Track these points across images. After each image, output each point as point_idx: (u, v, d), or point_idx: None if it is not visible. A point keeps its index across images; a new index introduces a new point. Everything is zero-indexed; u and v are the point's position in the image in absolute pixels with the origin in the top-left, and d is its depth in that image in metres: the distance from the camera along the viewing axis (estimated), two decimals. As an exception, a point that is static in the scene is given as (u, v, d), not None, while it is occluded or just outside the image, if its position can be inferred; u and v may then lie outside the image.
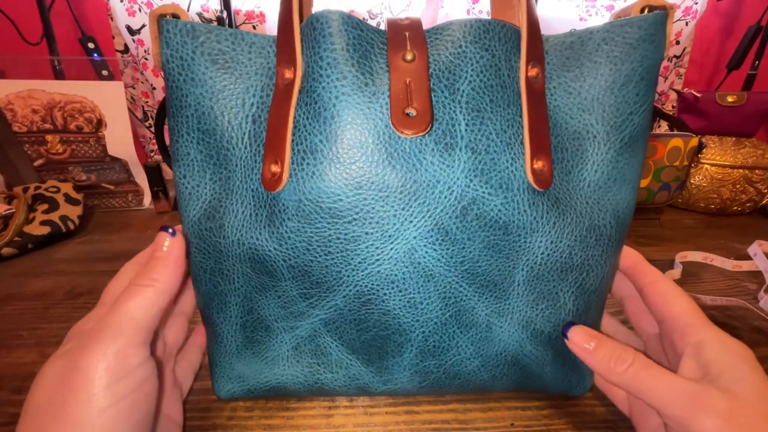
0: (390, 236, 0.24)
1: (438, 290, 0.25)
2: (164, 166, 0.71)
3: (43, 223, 0.57)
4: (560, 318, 0.27)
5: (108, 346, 0.19)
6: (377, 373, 0.28)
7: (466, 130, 0.24)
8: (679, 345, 0.23)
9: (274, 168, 0.24)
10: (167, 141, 0.69)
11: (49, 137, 0.68)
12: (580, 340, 0.24)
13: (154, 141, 0.91)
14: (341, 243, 0.24)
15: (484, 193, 0.24)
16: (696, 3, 0.86)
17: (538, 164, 0.24)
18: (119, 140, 0.71)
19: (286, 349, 0.28)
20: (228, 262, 0.26)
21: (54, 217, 0.59)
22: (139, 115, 0.89)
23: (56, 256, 0.55)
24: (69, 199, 0.63)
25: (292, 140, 0.24)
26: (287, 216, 0.24)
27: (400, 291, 0.25)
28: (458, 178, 0.24)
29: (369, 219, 0.24)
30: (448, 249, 0.24)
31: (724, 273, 0.50)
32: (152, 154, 0.92)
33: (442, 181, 0.24)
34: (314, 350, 0.27)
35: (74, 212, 0.62)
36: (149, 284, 0.21)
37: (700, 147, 0.64)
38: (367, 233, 0.24)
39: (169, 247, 0.23)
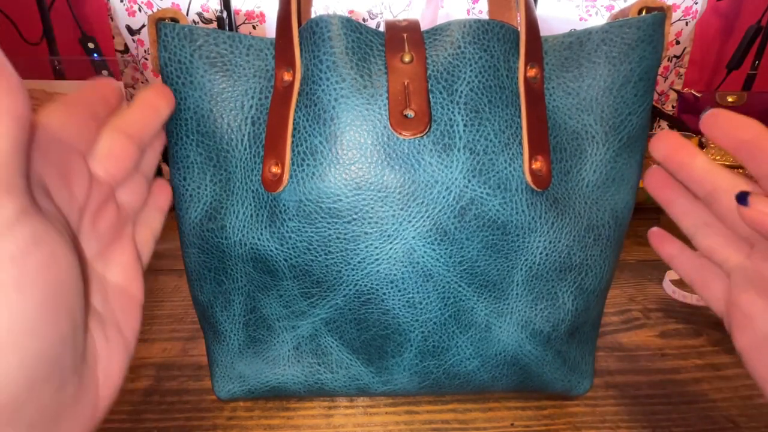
0: (389, 236, 0.24)
1: (437, 290, 0.25)
2: (164, 166, 0.71)
3: (43, 223, 0.57)
4: (559, 318, 0.27)
5: None
6: (377, 374, 0.28)
7: (464, 130, 0.24)
8: None
9: (275, 169, 0.24)
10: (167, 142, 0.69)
11: (49, 137, 0.68)
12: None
13: (154, 141, 0.91)
14: (341, 243, 0.24)
15: (482, 193, 0.24)
16: (696, 3, 0.86)
17: (537, 164, 0.24)
18: (119, 140, 0.71)
19: (287, 348, 0.28)
20: (231, 261, 0.26)
21: (54, 217, 0.59)
22: (139, 115, 0.89)
23: (56, 256, 0.55)
24: (69, 199, 0.63)
25: (292, 142, 0.24)
26: (288, 216, 0.24)
27: (399, 291, 0.25)
28: (456, 179, 0.24)
29: (368, 219, 0.24)
30: (446, 249, 0.24)
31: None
32: (152, 154, 0.92)
33: (441, 182, 0.24)
34: (315, 350, 0.28)
35: (74, 212, 0.62)
36: None
37: (700, 147, 0.64)
38: (366, 233, 0.24)
39: None
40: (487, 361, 0.27)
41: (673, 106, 0.96)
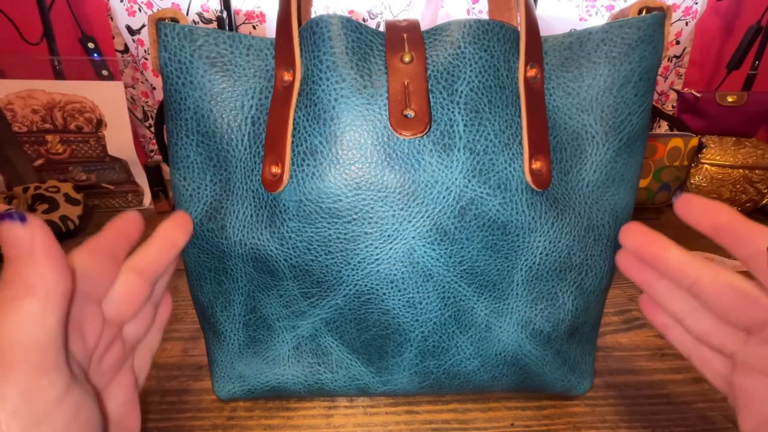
0: (389, 236, 0.24)
1: (437, 290, 0.25)
2: (164, 166, 0.71)
3: (43, 223, 0.57)
4: (559, 318, 0.27)
5: (6, 389, 0.14)
6: (377, 374, 0.28)
7: (464, 130, 0.24)
8: None
9: (275, 169, 0.24)
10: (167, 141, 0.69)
11: (49, 137, 0.68)
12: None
13: (154, 141, 0.91)
14: (341, 243, 0.24)
15: (482, 193, 0.24)
16: (696, 3, 0.86)
17: (537, 164, 0.24)
18: (119, 140, 0.71)
19: (287, 348, 0.28)
20: (231, 261, 0.26)
21: (54, 217, 0.59)
22: (139, 115, 0.89)
23: (56, 256, 0.55)
24: (69, 199, 0.63)
25: (292, 142, 0.24)
26: (288, 216, 0.24)
27: (400, 291, 0.25)
28: (456, 179, 0.24)
29: (368, 219, 0.24)
30: (446, 249, 0.24)
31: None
32: (152, 154, 0.92)
33: (441, 182, 0.24)
34: (315, 350, 0.28)
35: (74, 212, 0.62)
36: (24, 294, 0.15)
37: (700, 147, 0.64)
38: (366, 233, 0.24)
39: (28, 240, 0.15)
40: (487, 361, 0.27)
41: (673, 106, 0.96)
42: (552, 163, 0.25)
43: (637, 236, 0.23)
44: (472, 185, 0.24)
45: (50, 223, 0.58)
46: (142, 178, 0.74)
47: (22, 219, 0.16)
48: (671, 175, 0.64)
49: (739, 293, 0.19)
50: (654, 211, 0.70)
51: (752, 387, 0.20)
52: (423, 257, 0.24)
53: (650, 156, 0.63)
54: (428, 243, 0.24)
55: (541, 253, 0.25)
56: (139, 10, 0.80)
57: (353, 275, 0.25)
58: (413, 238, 0.24)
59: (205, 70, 0.24)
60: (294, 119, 0.24)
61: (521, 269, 0.25)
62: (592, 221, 0.26)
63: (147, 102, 0.88)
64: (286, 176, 0.24)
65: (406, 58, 0.24)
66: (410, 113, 0.23)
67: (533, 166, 0.24)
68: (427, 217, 0.24)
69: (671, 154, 0.63)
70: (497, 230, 0.24)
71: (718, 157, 0.70)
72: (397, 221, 0.24)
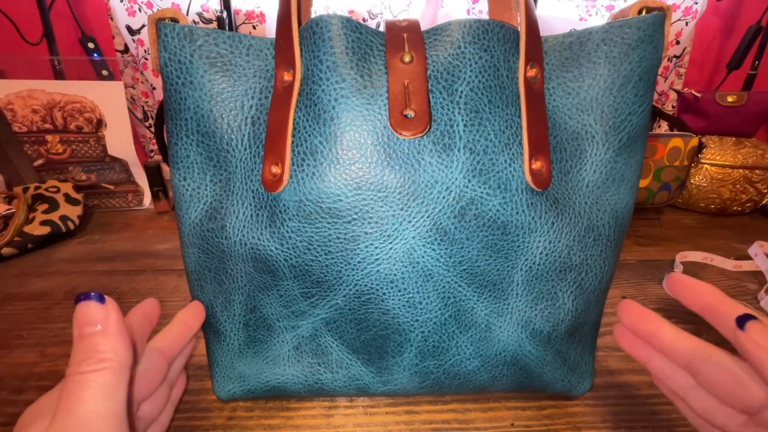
0: (389, 236, 0.24)
1: (437, 290, 0.25)
2: (164, 166, 0.71)
3: (43, 223, 0.57)
4: (559, 318, 0.27)
5: None
6: (377, 374, 0.28)
7: (464, 130, 0.24)
8: None
9: (275, 169, 0.24)
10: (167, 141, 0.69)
11: (49, 137, 0.68)
12: (762, 338, 0.19)
13: (154, 141, 0.91)
14: (341, 243, 0.24)
15: (482, 193, 0.24)
16: (696, 3, 0.86)
17: (537, 164, 0.24)
18: (119, 140, 0.71)
19: (287, 348, 0.28)
20: (231, 261, 0.26)
21: (54, 217, 0.59)
22: (139, 115, 0.89)
23: (56, 256, 0.55)
24: (69, 199, 0.63)
25: (292, 142, 0.24)
26: (288, 216, 0.24)
27: (399, 291, 0.25)
28: (456, 179, 0.24)
29: (368, 219, 0.24)
30: (446, 249, 0.24)
31: (724, 273, 0.50)
32: (152, 154, 0.92)
33: (441, 182, 0.24)
34: (315, 350, 0.28)
35: (74, 212, 0.62)
36: (102, 366, 0.16)
37: (700, 147, 0.64)
38: (366, 233, 0.24)
39: (103, 318, 0.17)
40: (487, 361, 0.27)
41: (673, 106, 0.96)
42: (552, 163, 0.25)
43: (631, 314, 0.23)
44: (472, 185, 0.24)
45: (50, 223, 0.58)
46: (142, 178, 0.74)
47: (101, 299, 0.18)
48: (671, 175, 0.64)
49: (731, 377, 0.19)
50: (654, 211, 0.70)
51: None
52: (423, 257, 0.24)
53: (650, 156, 0.63)
54: (428, 243, 0.24)
55: (541, 253, 0.25)
56: (139, 10, 0.80)
57: (353, 275, 0.25)
58: (413, 238, 0.24)
59: (205, 70, 0.24)
60: (294, 119, 0.24)
61: (521, 269, 0.25)
62: (592, 221, 0.26)
63: (147, 102, 0.88)
64: (286, 176, 0.24)
65: (406, 58, 0.24)
66: (410, 113, 0.23)
67: (533, 166, 0.24)
68: (427, 217, 0.24)
69: (671, 154, 0.63)
70: (497, 230, 0.24)
71: (718, 157, 0.70)
72: (397, 221, 0.24)
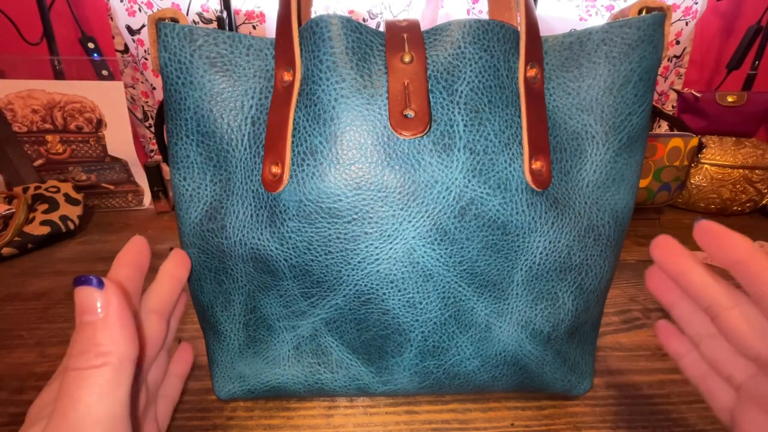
0: (389, 236, 0.24)
1: (437, 290, 0.25)
2: (164, 166, 0.71)
3: (43, 223, 0.57)
4: (559, 318, 0.27)
5: None
6: (377, 374, 0.28)
7: (464, 130, 0.24)
8: None
9: (275, 169, 0.24)
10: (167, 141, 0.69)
11: (49, 137, 0.68)
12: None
13: (154, 141, 0.91)
14: (341, 242, 0.24)
15: (482, 193, 0.24)
16: (696, 3, 0.86)
17: (537, 164, 0.24)
18: (119, 140, 0.71)
19: (287, 348, 0.28)
20: (231, 261, 0.26)
21: (54, 217, 0.59)
22: (139, 115, 0.89)
23: (56, 256, 0.55)
24: (69, 199, 0.63)
25: (292, 142, 0.24)
26: (288, 216, 0.24)
27: (400, 291, 0.25)
28: (456, 179, 0.24)
29: (368, 219, 0.24)
30: (446, 249, 0.24)
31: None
32: (152, 154, 0.92)
33: (441, 182, 0.24)
34: (315, 350, 0.28)
35: (74, 212, 0.62)
36: (100, 361, 0.15)
37: (700, 147, 0.64)
38: (366, 233, 0.24)
39: (103, 305, 0.15)
40: (487, 361, 0.27)
41: (673, 106, 0.96)
42: (552, 163, 0.25)
43: (664, 250, 0.22)
44: (472, 185, 0.24)
45: (50, 223, 0.58)
46: (142, 178, 0.74)
47: (100, 284, 0.15)
48: (671, 175, 0.64)
49: (752, 326, 0.19)
50: (654, 211, 0.70)
51: (750, 423, 0.20)
52: (423, 257, 0.24)
53: (650, 156, 0.63)
54: (428, 243, 0.24)
55: (541, 253, 0.25)
56: (139, 10, 0.80)
57: (353, 275, 0.25)
58: (413, 238, 0.24)
59: (205, 70, 0.24)
60: (294, 119, 0.24)
61: (521, 269, 0.25)
62: (592, 221, 0.26)
63: (147, 102, 0.88)
64: (286, 176, 0.24)
65: (406, 58, 0.24)
66: (410, 113, 0.23)
67: (533, 166, 0.24)
68: (427, 217, 0.24)
69: (671, 154, 0.63)
70: (497, 230, 0.24)
71: (718, 157, 0.70)
72: (397, 221, 0.24)
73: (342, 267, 0.25)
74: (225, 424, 0.28)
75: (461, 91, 0.24)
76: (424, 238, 0.24)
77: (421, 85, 0.23)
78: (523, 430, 0.28)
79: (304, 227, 0.24)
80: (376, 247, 0.24)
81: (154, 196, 0.71)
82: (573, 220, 0.25)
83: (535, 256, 0.25)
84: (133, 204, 0.75)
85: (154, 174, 0.70)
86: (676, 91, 0.80)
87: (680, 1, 0.86)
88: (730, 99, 0.71)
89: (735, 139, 0.72)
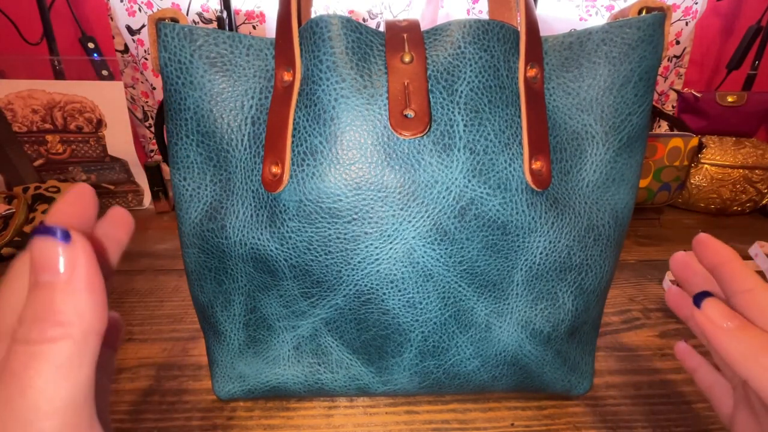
0: (389, 236, 0.24)
1: (437, 290, 0.25)
2: (164, 166, 0.71)
3: (43, 223, 0.57)
4: (559, 318, 0.27)
5: None
6: (377, 374, 0.28)
7: (464, 130, 0.24)
8: None
9: (275, 169, 0.24)
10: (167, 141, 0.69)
11: (49, 137, 0.68)
12: (715, 315, 0.20)
13: (154, 141, 0.91)
14: (341, 243, 0.24)
15: (482, 193, 0.24)
16: (696, 3, 0.86)
17: (537, 164, 0.24)
18: (119, 140, 0.71)
19: (287, 348, 0.28)
20: (231, 261, 0.26)
21: (54, 217, 0.59)
22: (139, 115, 0.89)
23: (56, 256, 0.55)
24: (69, 199, 0.63)
25: (292, 142, 0.24)
26: (288, 216, 0.24)
27: (399, 291, 0.25)
28: (456, 179, 0.24)
29: (368, 219, 0.24)
30: (446, 249, 0.24)
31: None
32: (152, 154, 0.92)
33: (441, 182, 0.24)
34: (315, 350, 0.28)
35: (74, 212, 0.62)
36: (60, 334, 0.12)
37: (700, 147, 0.64)
38: (366, 233, 0.24)
39: (69, 263, 0.12)
40: (487, 361, 0.27)
41: (673, 106, 0.96)
42: (552, 163, 0.25)
43: (707, 249, 0.22)
44: (472, 185, 0.24)
45: (50, 223, 0.58)
46: (142, 178, 0.74)
47: (66, 237, 0.12)
48: (671, 175, 0.64)
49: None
50: (654, 211, 0.70)
51: (742, 423, 0.21)
52: (423, 257, 0.24)
53: (650, 156, 0.63)
54: (428, 243, 0.24)
55: (541, 253, 0.25)
56: (139, 10, 0.80)
57: (353, 275, 0.25)
58: (413, 238, 0.24)
59: (205, 70, 0.24)
60: (294, 119, 0.24)
61: (521, 269, 0.25)
62: (592, 221, 0.26)
63: (147, 102, 0.88)
64: (286, 176, 0.24)
65: (406, 58, 0.24)
66: (410, 113, 0.23)
67: (533, 166, 0.24)
68: (427, 217, 0.24)
69: (671, 154, 0.63)
70: (497, 230, 0.24)
71: (718, 157, 0.70)
72: (397, 221, 0.24)
73: (342, 267, 0.25)
74: (225, 424, 0.28)
75: (461, 91, 0.24)
76: (424, 238, 0.24)
77: (421, 85, 0.23)
78: (523, 430, 0.28)
79: (304, 227, 0.24)
80: (376, 247, 0.24)
81: (154, 196, 0.71)
82: (573, 220, 0.25)
83: (535, 256, 0.25)
84: (133, 204, 0.75)
85: (154, 174, 0.70)
86: (676, 91, 0.80)
87: (680, 1, 0.86)
88: (730, 99, 0.71)
89: (735, 139, 0.72)
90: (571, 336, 0.28)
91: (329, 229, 0.24)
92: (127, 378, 0.32)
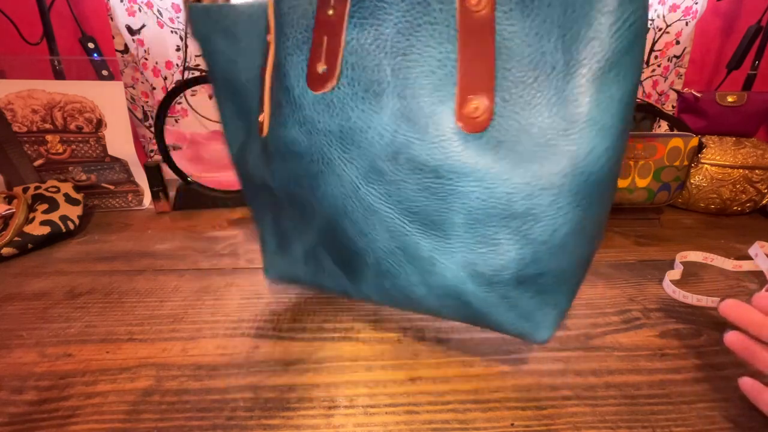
0: (338, 175, 0.27)
1: (382, 223, 0.27)
2: (164, 166, 0.71)
3: (43, 223, 0.57)
4: (501, 264, 0.26)
5: None
6: (352, 283, 0.32)
7: (392, 76, 0.24)
8: None
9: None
10: (167, 141, 0.69)
11: (49, 137, 0.68)
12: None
13: (154, 141, 0.91)
14: (308, 179, 0.29)
15: (411, 138, 0.24)
16: (696, 3, 0.86)
17: (471, 107, 0.23)
18: (119, 140, 0.71)
19: (299, 254, 0.35)
20: (256, 187, 0.34)
21: (54, 217, 0.59)
22: (139, 115, 0.89)
23: (56, 256, 0.55)
24: (69, 199, 0.63)
25: (270, 95, 0.29)
26: (272, 157, 0.30)
27: (352, 221, 0.28)
28: (387, 124, 0.25)
29: (321, 160, 0.28)
30: (385, 188, 0.26)
31: (724, 273, 0.50)
32: (152, 154, 0.92)
33: (373, 127, 0.25)
34: (315, 258, 0.34)
35: (74, 212, 0.62)
36: None
37: (700, 147, 0.64)
38: (322, 171, 0.28)
39: None
40: (432, 291, 0.28)
41: (673, 106, 0.96)
42: (505, 102, 0.23)
43: (736, 311, 0.28)
44: (402, 130, 0.25)
45: (50, 223, 0.58)
46: (142, 178, 0.74)
47: None
48: (671, 175, 0.64)
49: None
50: (654, 211, 0.70)
51: None
52: (366, 195, 0.27)
53: (650, 156, 0.63)
54: (369, 182, 0.26)
55: (477, 198, 0.24)
56: (139, 10, 0.80)
57: (320, 206, 0.29)
58: (356, 177, 0.27)
59: (220, 38, 0.30)
60: (270, 78, 0.30)
61: (459, 212, 0.25)
62: (544, 168, 0.23)
63: (147, 102, 0.88)
64: (266, 125, 0.29)
65: (330, 12, 0.26)
66: (323, 68, 0.26)
67: (465, 110, 0.23)
68: (365, 158, 0.26)
69: (671, 154, 0.63)
70: (429, 173, 0.25)
71: (718, 157, 0.70)
72: (342, 162, 0.27)
73: (312, 198, 0.29)
74: (225, 424, 0.28)
75: (387, 34, 0.24)
76: (365, 177, 0.26)
77: (336, 38, 0.25)
78: (523, 430, 0.28)
79: (283, 165, 0.30)
80: (330, 184, 0.28)
81: (154, 196, 0.71)
82: (516, 166, 0.23)
83: (471, 200, 0.24)
84: (133, 204, 0.75)
85: (154, 174, 0.70)
86: (676, 91, 0.80)
87: (680, 1, 0.86)
88: (730, 99, 0.71)
89: (735, 139, 0.72)
90: (521, 284, 0.26)
91: (298, 168, 0.29)
92: (127, 378, 0.32)
